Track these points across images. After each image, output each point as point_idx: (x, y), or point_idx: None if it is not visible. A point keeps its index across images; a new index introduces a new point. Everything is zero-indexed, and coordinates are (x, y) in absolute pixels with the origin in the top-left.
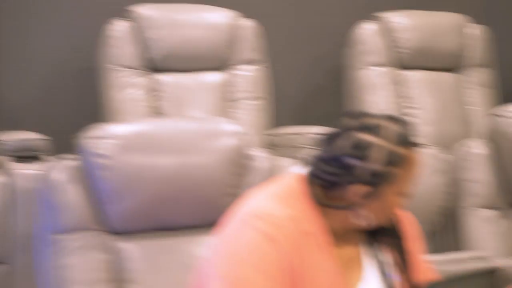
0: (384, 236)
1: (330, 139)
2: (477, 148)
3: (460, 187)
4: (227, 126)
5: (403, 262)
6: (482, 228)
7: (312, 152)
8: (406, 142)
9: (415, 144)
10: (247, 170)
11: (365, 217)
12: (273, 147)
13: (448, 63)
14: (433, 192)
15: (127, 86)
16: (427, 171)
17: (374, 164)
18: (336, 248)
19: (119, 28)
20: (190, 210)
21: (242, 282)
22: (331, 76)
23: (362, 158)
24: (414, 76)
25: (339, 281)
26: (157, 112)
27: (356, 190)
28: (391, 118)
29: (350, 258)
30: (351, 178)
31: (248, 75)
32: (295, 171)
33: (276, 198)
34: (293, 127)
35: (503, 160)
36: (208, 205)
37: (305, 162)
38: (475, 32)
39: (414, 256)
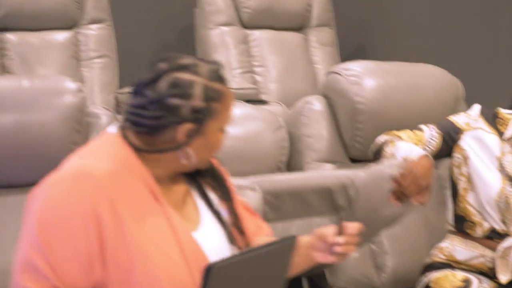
0: (206, 177)
1: (146, 85)
2: (316, 105)
3: (301, 142)
4: (68, 84)
5: (228, 198)
6: None
7: (128, 102)
8: (221, 78)
9: (227, 81)
10: (88, 128)
11: (193, 156)
12: (120, 105)
13: (293, 23)
14: (276, 147)
15: None
16: (272, 127)
17: (196, 101)
18: (166, 194)
19: None
20: (30, 167)
21: (45, 245)
22: (182, 36)
23: (183, 96)
24: (261, 35)
25: (173, 224)
26: (3, 71)
27: (182, 129)
28: (202, 59)
29: (183, 202)
30: (176, 118)
31: (95, 34)
32: (114, 128)
33: (96, 155)
34: None
35: (338, 116)
36: (49, 162)
37: (124, 116)
38: None
39: (233, 193)
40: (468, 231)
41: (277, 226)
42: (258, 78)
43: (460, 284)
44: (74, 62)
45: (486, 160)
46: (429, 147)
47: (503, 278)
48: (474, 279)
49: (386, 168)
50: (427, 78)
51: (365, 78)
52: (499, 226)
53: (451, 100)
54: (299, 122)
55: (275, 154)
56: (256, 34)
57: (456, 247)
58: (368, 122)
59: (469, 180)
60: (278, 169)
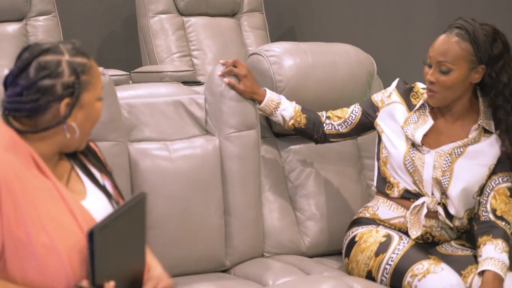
0: (86, 156)
1: (17, 75)
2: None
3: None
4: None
5: (108, 172)
6: None
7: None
8: (82, 52)
9: (88, 54)
10: None
11: (76, 129)
12: None
13: (226, 9)
14: None
15: None
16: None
17: (65, 77)
18: (53, 171)
19: None
20: None
21: None
22: (125, 24)
23: (53, 76)
24: (197, 21)
25: (63, 195)
26: None
27: (61, 106)
28: (60, 41)
29: (69, 177)
30: (52, 97)
31: (43, 25)
32: None
33: None
34: None
35: None
36: None
37: (2, 107)
38: None
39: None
40: (388, 192)
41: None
42: (195, 61)
43: (382, 239)
44: None
45: (395, 130)
46: (349, 120)
47: (414, 234)
48: (395, 235)
49: None
50: (341, 56)
51: (284, 58)
52: (411, 187)
53: (364, 75)
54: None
55: None
56: (192, 20)
57: (380, 207)
58: (288, 98)
59: (386, 149)
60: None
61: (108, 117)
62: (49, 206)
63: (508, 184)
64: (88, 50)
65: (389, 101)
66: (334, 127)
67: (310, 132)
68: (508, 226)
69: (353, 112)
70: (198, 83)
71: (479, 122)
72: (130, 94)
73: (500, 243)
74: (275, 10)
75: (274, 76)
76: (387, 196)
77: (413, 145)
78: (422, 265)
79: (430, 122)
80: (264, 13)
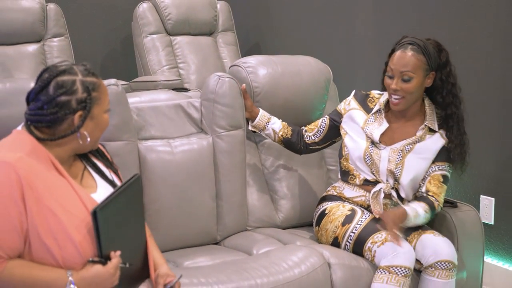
0: (96, 157)
1: (38, 92)
2: None
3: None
4: (32, 84)
5: (112, 167)
6: None
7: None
8: (93, 73)
9: (97, 75)
10: None
11: (87, 136)
12: None
13: (205, 29)
14: None
15: None
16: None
17: (79, 94)
18: (68, 171)
19: None
20: None
21: None
22: (124, 43)
23: (69, 93)
24: (182, 40)
25: (76, 190)
26: None
27: (75, 117)
28: (74, 63)
29: (82, 176)
30: (68, 110)
31: (57, 45)
32: (20, 128)
33: (7, 148)
34: None
35: None
36: None
37: (25, 119)
38: (222, 5)
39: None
40: (351, 181)
41: (163, 142)
42: (181, 71)
43: (348, 212)
44: (43, 67)
45: (356, 131)
46: (321, 129)
47: (376, 210)
48: (358, 210)
49: None
50: (304, 66)
51: (258, 68)
52: (370, 177)
53: (323, 81)
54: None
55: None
56: (178, 39)
57: (345, 188)
58: (263, 101)
59: (347, 147)
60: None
61: (121, 121)
62: (64, 200)
63: (443, 172)
64: (94, 66)
65: (349, 108)
66: (311, 137)
67: (295, 141)
68: (437, 203)
69: (323, 121)
70: (185, 89)
71: (425, 123)
72: (137, 100)
73: (423, 204)
74: (244, 30)
75: (251, 83)
76: (349, 183)
77: (372, 142)
78: (381, 234)
79: (385, 124)
80: (235, 32)
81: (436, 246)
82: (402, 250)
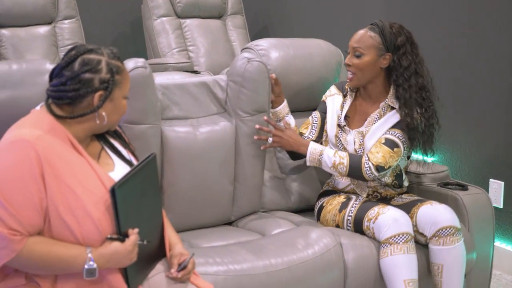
0: (113, 137)
1: (63, 67)
2: None
3: None
4: (48, 65)
5: (129, 147)
6: None
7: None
8: (118, 57)
9: (122, 61)
10: None
11: (105, 117)
12: None
13: (214, 12)
14: None
15: None
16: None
17: (103, 74)
18: (86, 150)
19: None
20: None
21: (3, 200)
22: (133, 26)
23: (93, 71)
24: (191, 22)
25: (94, 168)
26: (1, 58)
27: (96, 96)
28: (103, 46)
29: (99, 153)
30: (90, 88)
31: (68, 27)
32: (40, 107)
33: (27, 126)
34: None
35: None
36: None
37: (46, 95)
38: None
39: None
40: None
41: (187, 123)
42: (191, 54)
43: (343, 200)
44: (54, 48)
45: (333, 116)
46: (314, 124)
47: (363, 194)
48: (352, 196)
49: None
50: (316, 48)
51: (271, 51)
52: None
53: (334, 64)
54: None
55: None
56: (187, 22)
57: (335, 180)
58: None
59: (326, 132)
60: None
61: (148, 104)
62: (82, 177)
63: (387, 136)
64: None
65: (330, 94)
66: (308, 137)
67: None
68: (368, 162)
69: (314, 117)
70: (196, 72)
71: (385, 100)
72: (158, 79)
73: (342, 152)
74: (252, 13)
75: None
76: None
77: (339, 126)
78: (374, 210)
79: (348, 102)
80: (244, 15)
81: (434, 215)
82: (395, 217)
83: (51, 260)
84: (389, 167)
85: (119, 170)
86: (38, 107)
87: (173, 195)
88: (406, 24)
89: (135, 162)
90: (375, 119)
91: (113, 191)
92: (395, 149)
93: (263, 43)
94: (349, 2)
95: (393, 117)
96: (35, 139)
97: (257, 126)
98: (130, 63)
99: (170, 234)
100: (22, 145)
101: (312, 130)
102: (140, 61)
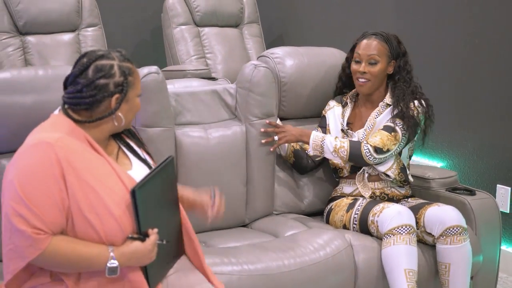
0: (129, 137)
1: (77, 76)
2: None
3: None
4: None
5: (144, 147)
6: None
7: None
8: (128, 59)
9: (132, 61)
10: None
11: (122, 118)
12: None
13: (231, 21)
14: None
15: (6, 45)
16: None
17: (116, 77)
18: (104, 149)
19: None
20: None
21: (26, 199)
22: (154, 34)
23: (107, 76)
24: (209, 31)
25: (114, 167)
26: (26, 63)
27: (113, 100)
28: (112, 50)
29: (117, 153)
30: (106, 93)
31: (91, 34)
32: (58, 111)
33: (47, 130)
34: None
35: None
36: None
37: (63, 102)
38: None
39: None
40: (341, 174)
41: (199, 128)
42: (208, 61)
43: (351, 201)
44: (77, 55)
45: (336, 124)
46: None
47: (367, 194)
48: (360, 198)
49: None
50: (329, 57)
51: (285, 59)
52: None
53: None
54: None
55: None
56: (205, 30)
57: (343, 187)
58: (289, 90)
59: None
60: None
61: (161, 108)
62: (103, 176)
63: (386, 123)
64: (129, 57)
65: (328, 108)
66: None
67: (304, 156)
68: (367, 145)
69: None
70: (213, 78)
71: (384, 100)
72: (172, 87)
73: (345, 140)
74: (268, 22)
75: (279, 73)
76: (341, 177)
77: (343, 131)
78: (379, 206)
79: (349, 110)
80: (260, 24)
81: (441, 215)
82: (397, 212)
83: (74, 258)
84: (388, 150)
85: (136, 169)
86: (56, 111)
87: None
88: (417, 32)
89: (150, 161)
90: (375, 116)
91: (133, 193)
92: (393, 133)
93: (278, 51)
94: (361, 12)
95: (392, 111)
96: (56, 141)
97: (262, 130)
98: (144, 70)
99: (184, 194)
100: (43, 147)
101: None
102: (153, 68)
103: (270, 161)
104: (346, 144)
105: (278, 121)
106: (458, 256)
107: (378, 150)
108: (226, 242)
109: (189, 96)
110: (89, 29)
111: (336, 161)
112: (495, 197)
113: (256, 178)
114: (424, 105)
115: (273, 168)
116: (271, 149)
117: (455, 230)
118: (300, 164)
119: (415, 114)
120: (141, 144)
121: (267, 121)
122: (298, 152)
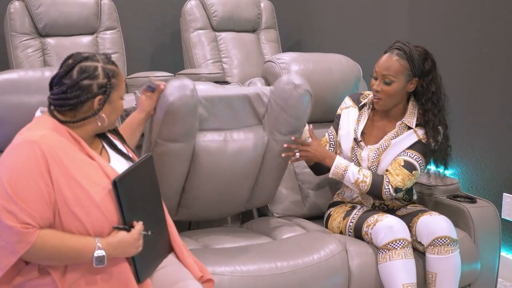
0: (111, 133)
1: (62, 76)
2: (258, 84)
3: None
4: None
5: (127, 144)
6: None
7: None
8: (113, 62)
9: (116, 64)
10: None
11: (105, 119)
12: (127, 86)
13: (248, 26)
14: None
15: (26, 47)
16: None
17: (100, 79)
18: (89, 146)
19: (16, 6)
20: None
21: (14, 196)
22: (172, 38)
23: (91, 77)
24: (226, 36)
25: (97, 161)
26: (45, 65)
27: (96, 101)
28: (97, 53)
29: (100, 151)
30: (90, 94)
31: (109, 37)
32: (42, 112)
33: (31, 129)
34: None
35: None
36: None
37: (48, 103)
38: (265, 4)
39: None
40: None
41: (220, 135)
42: (224, 66)
43: (349, 208)
44: None
45: (348, 130)
46: (331, 141)
47: (369, 205)
48: (358, 205)
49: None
50: (335, 63)
51: (291, 64)
52: None
53: (353, 79)
54: None
55: None
56: (222, 35)
57: (345, 192)
58: None
59: (339, 145)
60: None
61: (187, 130)
62: (88, 170)
63: (406, 158)
64: (144, 58)
65: (345, 106)
66: None
67: (323, 166)
68: (388, 184)
69: (330, 134)
70: (226, 82)
71: (402, 119)
72: (206, 88)
73: (367, 171)
74: (286, 28)
75: None
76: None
77: (356, 141)
78: (373, 217)
79: (365, 119)
80: (277, 30)
81: (431, 225)
82: (390, 225)
83: (62, 250)
84: (406, 188)
85: (114, 165)
86: (38, 113)
87: (192, 196)
88: (429, 41)
89: (132, 157)
90: (392, 138)
91: (114, 183)
92: (413, 172)
93: (285, 56)
94: (378, 20)
95: (410, 137)
96: (40, 138)
97: (285, 145)
98: (176, 93)
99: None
100: (28, 145)
101: (331, 148)
102: (188, 87)
103: (282, 171)
104: (368, 179)
105: (310, 127)
106: (444, 267)
107: (397, 190)
108: (223, 243)
109: (219, 101)
110: (108, 32)
111: (352, 188)
112: (501, 205)
113: (262, 185)
114: (448, 138)
115: (281, 176)
116: (290, 162)
117: (443, 240)
118: (319, 166)
119: (436, 148)
120: (124, 141)
121: (293, 138)
122: (314, 166)
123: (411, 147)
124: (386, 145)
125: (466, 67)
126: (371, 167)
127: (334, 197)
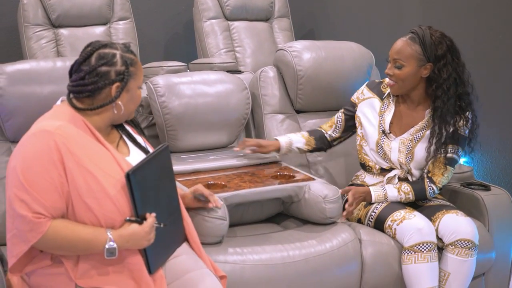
0: (129, 124)
1: (81, 63)
2: (270, 72)
3: (260, 100)
4: None
5: (145, 136)
6: (277, 126)
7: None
8: (131, 51)
9: (135, 54)
10: None
11: (122, 107)
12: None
13: (261, 15)
14: (242, 103)
15: (40, 38)
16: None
17: (118, 66)
18: (105, 138)
19: None
20: None
21: (27, 184)
22: (185, 27)
23: (109, 64)
24: (239, 25)
25: (112, 153)
26: (58, 55)
27: (113, 88)
28: (116, 42)
29: (118, 142)
30: (107, 81)
31: (122, 28)
32: (60, 102)
33: (48, 119)
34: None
35: (285, 80)
36: None
37: (67, 90)
38: None
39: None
40: (368, 172)
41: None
42: (237, 55)
43: (367, 189)
44: None
45: (372, 121)
46: (338, 124)
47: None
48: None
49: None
50: (347, 51)
51: (303, 52)
52: (385, 165)
53: (365, 66)
54: (258, 85)
55: (241, 108)
56: (235, 24)
57: (366, 176)
58: (306, 84)
59: (363, 137)
60: (244, 119)
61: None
62: (102, 162)
63: (448, 154)
64: (157, 48)
65: (364, 97)
66: (331, 135)
67: (321, 146)
68: (432, 186)
69: (338, 117)
70: (239, 71)
71: (431, 108)
72: (188, 80)
73: (404, 185)
74: (299, 16)
75: (296, 66)
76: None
77: (383, 132)
78: (400, 213)
79: (392, 109)
80: (291, 18)
81: (457, 225)
82: (419, 227)
83: (74, 241)
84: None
85: (135, 156)
86: (58, 102)
87: None
88: (442, 26)
89: (150, 149)
90: (424, 127)
91: (128, 176)
92: (455, 166)
93: (296, 44)
94: (391, 7)
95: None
96: (55, 129)
97: (340, 221)
98: None
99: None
100: (43, 135)
101: (336, 129)
102: None
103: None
104: (411, 195)
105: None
106: (460, 269)
107: (442, 187)
108: (235, 232)
109: None
110: (121, 22)
111: None
112: None
113: None
114: (470, 122)
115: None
116: (343, 217)
117: (466, 243)
118: (317, 151)
119: (465, 133)
120: (142, 132)
121: (344, 214)
122: (314, 149)
123: (450, 139)
124: (420, 135)
125: (479, 53)
126: (406, 160)
127: (353, 178)
